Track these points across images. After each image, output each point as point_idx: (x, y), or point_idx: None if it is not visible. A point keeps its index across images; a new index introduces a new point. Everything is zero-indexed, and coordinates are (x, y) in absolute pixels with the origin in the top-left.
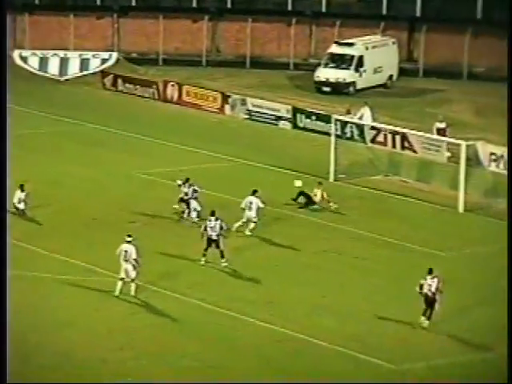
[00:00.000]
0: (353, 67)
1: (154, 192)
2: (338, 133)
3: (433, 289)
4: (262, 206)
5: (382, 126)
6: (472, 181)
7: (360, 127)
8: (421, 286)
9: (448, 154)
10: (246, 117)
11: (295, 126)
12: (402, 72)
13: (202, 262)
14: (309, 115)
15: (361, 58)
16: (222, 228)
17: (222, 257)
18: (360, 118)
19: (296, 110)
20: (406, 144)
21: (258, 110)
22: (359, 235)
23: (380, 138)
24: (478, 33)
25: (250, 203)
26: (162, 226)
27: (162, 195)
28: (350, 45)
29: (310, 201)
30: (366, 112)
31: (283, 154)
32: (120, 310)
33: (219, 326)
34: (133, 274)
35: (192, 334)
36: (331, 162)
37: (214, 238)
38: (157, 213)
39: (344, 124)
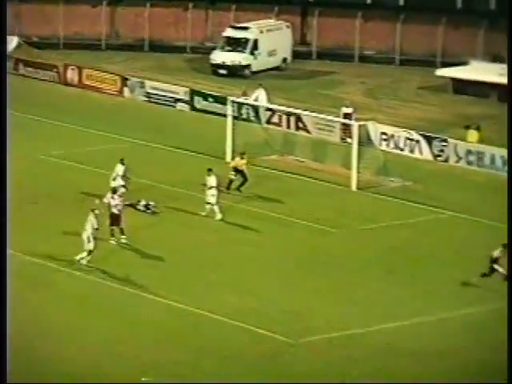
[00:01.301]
0: (248, 50)
1: (56, 173)
2: (235, 114)
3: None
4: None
5: (277, 107)
6: (364, 160)
7: (255, 108)
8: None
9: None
10: (145, 99)
11: (193, 108)
12: (296, 55)
13: (112, 242)
14: (206, 97)
15: (256, 41)
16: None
17: (122, 233)
18: (255, 100)
19: (193, 93)
20: (301, 125)
21: (156, 92)
22: (255, 213)
23: (275, 119)
24: (368, 17)
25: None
26: (65, 206)
27: (64, 176)
28: (245, 28)
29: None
30: (262, 94)
31: (181, 135)
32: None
33: (120, 302)
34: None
35: (93, 310)
36: (228, 143)
37: (116, 212)
38: (59, 194)
39: (240, 106)
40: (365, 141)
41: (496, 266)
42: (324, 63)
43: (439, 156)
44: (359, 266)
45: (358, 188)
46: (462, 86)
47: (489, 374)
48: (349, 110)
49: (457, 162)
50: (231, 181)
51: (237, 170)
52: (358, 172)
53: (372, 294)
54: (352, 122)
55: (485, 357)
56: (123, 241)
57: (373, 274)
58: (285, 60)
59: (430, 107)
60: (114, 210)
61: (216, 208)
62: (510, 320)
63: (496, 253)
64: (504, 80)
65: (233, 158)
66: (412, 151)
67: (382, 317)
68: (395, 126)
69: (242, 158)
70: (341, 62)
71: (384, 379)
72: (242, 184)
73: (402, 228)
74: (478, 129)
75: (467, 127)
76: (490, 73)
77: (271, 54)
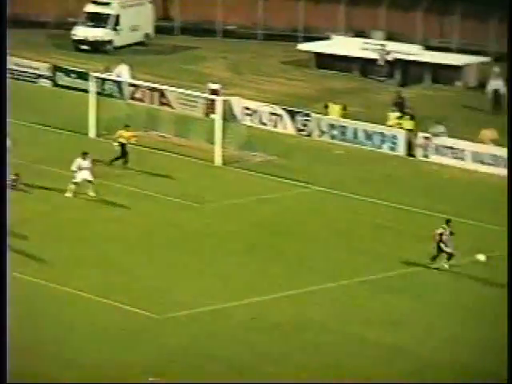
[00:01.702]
0: (110, 26)
1: None
2: (98, 90)
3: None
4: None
5: (140, 82)
6: (228, 135)
7: (119, 84)
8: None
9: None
10: (8, 75)
11: (55, 84)
12: (159, 30)
13: None
14: (68, 73)
15: (117, 16)
16: None
17: None
18: (118, 76)
19: (56, 69)
20: (164, 100)
21: (18, 68)
22: (121, 190)
23: (138, 95)
24: None
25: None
26: None
27: None
28: (106, 4)
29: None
30: (124, 69)
31: (43, 112)
32: None
33: None
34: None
35: None
36: (91, 119)
37: None
38: None
39: (103, 81)
40: (229, 116)
41: (442, 245)
42: (187, 38)
43: (302, 130)
44: (224, 241)
45: (223, 163)
46: (324, 61)
47: (356, 347)
48: (216, 87)
49: (320, 136)
50: (118, 157)
51: (121, 144)
52: (222, 147)
53: (236, 268)
54: (215, 97)
55: (351, 330)
56: None
57: (237, 248)
58: (147, 35)
59: (294, 82)
60: None
61: (91, 186)
62: (509, 320)
63: (439, 230)
64: (366, 54)
65: (108, 133)
66: (275, 126)
67: (245, 291)
68: (259, 101)
69: (127, 131)
70: (204, 37)
71: (248, 353)
72: (118, 158)
73: (266, 202)
74: (345, 109)
75: (326, 107)
76: (352, 47)
77: (133, 29)
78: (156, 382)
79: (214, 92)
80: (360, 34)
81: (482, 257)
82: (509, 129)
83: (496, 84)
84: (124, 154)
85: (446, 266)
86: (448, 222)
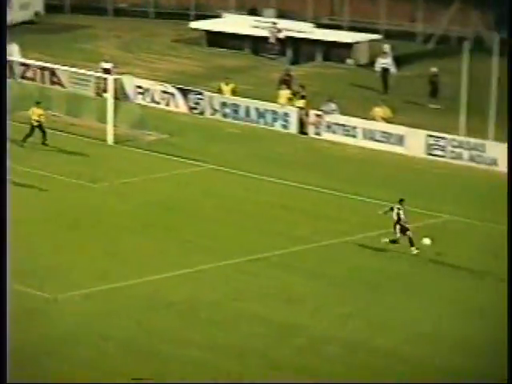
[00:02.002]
0: None
1: None
2: None
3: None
4: None
5: (31, 61)
6: (120, 114)
7: (9, 63)
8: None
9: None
10: None
11: None
12: (49, 8)
13: None
14: None
15: None
16: None
17: None
18: (9, 55)
19: None
20: (55, 79)
21: None
22: (13, 169)
23: (29, 74)
24: None
25: None
26: None
27: None
28: None
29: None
30: (14, 48)
31: None
32: None
33: None
34: None
35: None
36: None
37: None
38: None
39: None
40: (120, 95)
41: (403, 224)
42: (78, 17)
43: (195, 109)
44: (118, 220)
45: (115, 142)
46: (215, 39)
47: (254, 324)
48: (108, 65)
49: (212, 114)
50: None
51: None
52: (115, 126)
53: (131, 247)
54: (107, 76)
55: (245, 307)
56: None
57: (131, 227)
58: (37, 13)
59: (185, 60)
60: None
61: None
62: (509, 319)
63: (395, 211)
64: (257, 32)
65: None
66: (168, 104)
67: (140, 270)
68: (151, 79)
69: (38, 108)
70: (95, 16)
71: (144, 332)
72: (29, 136)
73: (159, 181)
74: (234, 88)
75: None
76: (243, 25)
77: (23, 7)
78: (138, 382)
79: (107, 71)
80: (251, 12)
81: (427, 240)
82: (509, 127)
83: (384, 62)
84: (42, 132)
85: (415, 251)
86: (401, 201)
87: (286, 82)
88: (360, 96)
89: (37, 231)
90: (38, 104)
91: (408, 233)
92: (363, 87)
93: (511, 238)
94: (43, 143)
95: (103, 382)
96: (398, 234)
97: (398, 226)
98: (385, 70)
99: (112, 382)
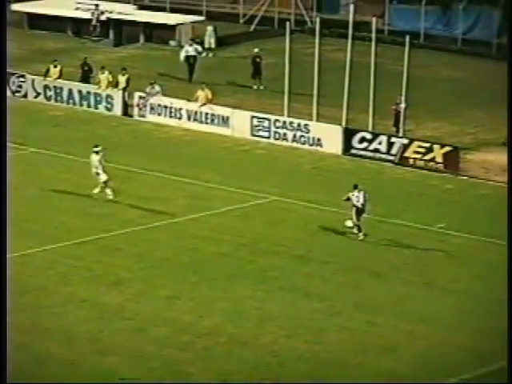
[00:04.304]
0: None
1: None
2: None
3: (361, 200)
4: None
5: None
6: None
7: None
8: (348, 198)
9: None
10: None
11: None
12: None
13: None
14: None
15: None
16: None
17: None
18: None
19: None
20: None
21: None
22: None
23: None
24: None
25: None
26: None
27: None
28: None
29: None
30: None
31: None
32: None
33: None
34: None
35: None
36: None
37: None
38: None
39: None
40: None
41: (358, 205)
42: None
43: (18, 92)
44: None
45: None
46: (37, 21)
47: (73, 307)
48: None
49: (35, 97)
50: None
51: None
52: None
53: None
54: None
55: (72, 291)
56: None
57: None
58: None
59: (7, 42)
60: None
61: None
62: (509, 319)
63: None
64: (79, 14)
65: None
66: None
67: None
68: None
69: None
70: None
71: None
72: None
73: None
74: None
75: (47, 71)
76: (65, 7)
77: None
78: (138, 382)
79: None
80: None
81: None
82: (509, 127)
83: (189, 50)
84: None
85: (361, 236)
86: (355, 187)
87: (84, 71)
88: (184, 77)
89: None
90: None
91: (361, 218)
92: (186, 68)
93: (511, 238)
94: None
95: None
96: (355, 219)
97: (354, 210)
98: (190, 58)
99: (112, 382)
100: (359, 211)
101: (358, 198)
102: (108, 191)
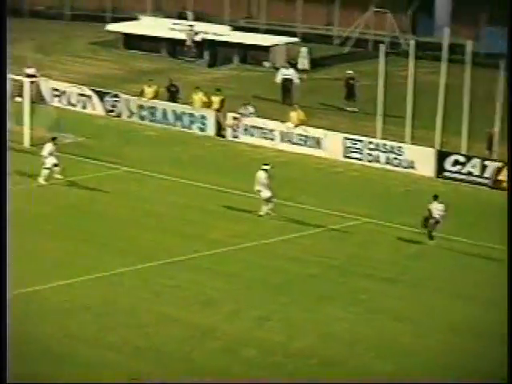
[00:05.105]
0: None
1: None
2: None
3: (440, 212)
4: None
5: None
6: (36, 116)
7: None
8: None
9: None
10: None
11: None
12: None
13: None
14: None
15: None
16: None
17: None
18: None
19: None
20: None
21: None
22: None
23: None
24: None
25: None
26: None
27: None
28: None
29: None
30: None
31: None
32: None
33: None
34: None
35: None
36: None
37: None
38: None
39: None
40: (37, 97)
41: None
42: None
43: (112, 111)
44: (34, 223)
45: (31, 145)
46: (133, 42)
47: (168, 326)
48: (31, 71)
49: (130, 117)
50: None
51: None
52: (31, 129)
53: (47, 250)
54: (23, 78)
55: (162, 311)
56: None
57: (47, 230)
58: None
59: (103, 63)
60: None
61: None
62: (509, 319)
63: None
64: (174, 35)
65: None
66: (84, 107)
67: (57, 274)
68: (67, 82)
69: None
70: (11, 18)
71: (62, 335)
72: None
73: (75, 184)
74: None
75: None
76: (160, 28)
77: None
78: (138, 382)
79: (30, 76)
80: (169, 15)
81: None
82: (509, 127)
83: (286, 73)
84: None
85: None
86: (435, 197)
87: (172, 93)
88: (278, 99)
89: None
90: None
91: (435, 226)
92: (280, 89)
93: (511, 239)
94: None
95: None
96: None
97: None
98: (286, 81)
99: (112, 382)
100: (435, 222)
101: (437, 209)
102: (265, 208)
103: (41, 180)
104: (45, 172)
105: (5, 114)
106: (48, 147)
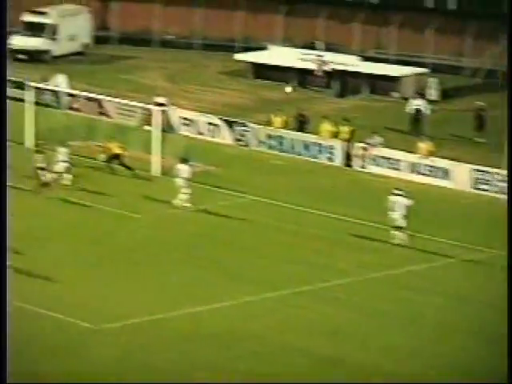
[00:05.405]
0: (47, 35)
1: None
2: (35, 100)
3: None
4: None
5: (78, 92)
6: (165, 145)
7: (56, 94)
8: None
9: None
10: None
11: None
12: (97, 40)
13: None
14: None
15: (55, 26)
16: None
17: None
18: (56, 85)
19: None
20: (102, 110)
21: None
22: (58, 199)
23: (76, 105)
24: (167, 1)
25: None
26: None
27: None
28: (44, 14)
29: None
30: (62, 79)
31: None
32: None
33: None
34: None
35: None
36: (27, 129)
37: None
38: None
39: (40, 91)
40: (166, 126)
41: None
42: (125, 48)
43: (240, 140)
44: (163, 251)
45: (161, 173)
46: (261, 71)
47: (294, 359)
48: (162, 100)
49: (258, 146)
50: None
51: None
52: (161, 157)
53: (174, 278)
54: (153, 107)
55: (288, 341)
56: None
57: (175, 258)
58: (85, 45)
59: (231, 92)
60: None
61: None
62: (509, 319)
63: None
64: (303, 65)
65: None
66: (213, 136)
67: (183, 301)
68: (196, 111)
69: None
70: (142, 47)
71: (186, 363)
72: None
73: (203, 212)
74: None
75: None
76: (289, 57)
77: (71, 38)
78: (138, 382)
79: (160, 105)
80: (298, 44)
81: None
82: (509, 127)
83: (417, 103)
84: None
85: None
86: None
87: (300, 122)
88: (405, 129)
89: (79, 261)
90: (112, 138)
91: None
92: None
93: (511, 242)
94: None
95: None
96: None
97: None
98: (417, 112)
99: (112, 382)
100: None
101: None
102: (399, 235)
103: (180, 202)
104: (182, 197)
105: (5, 114)
106: (185, 172)
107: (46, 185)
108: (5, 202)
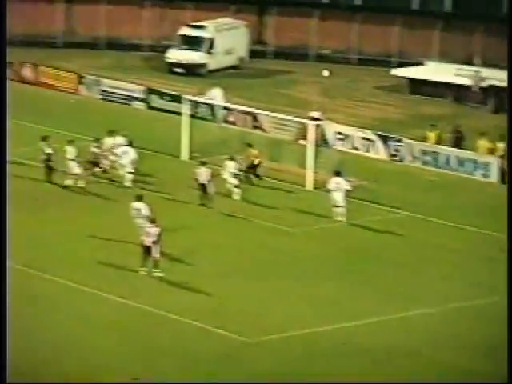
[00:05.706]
0: (204, 49)
1: (18, 172)
2: (191, 113)
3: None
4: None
5: (234, 106)
6: (320, 159)
7: (212, 107)
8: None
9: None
10: (101, 97)
11: (149, 107)
12: (253, 54)
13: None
14: (162, 96)
15: (212, 40)
16: None
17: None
18: (212, 99)
19: (150, 91)
20: (257, 124)
21: (112, 90)
22: (211, 212)
23: (231, 118)
24: (324, 16)
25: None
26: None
27: (25, 175)
28: (201, 27)
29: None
30: (218, 92)
31: (137, 134)
32: None
33: (78, 302)
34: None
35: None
36: (183, 142)
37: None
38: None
39: (196, 104)
40: (320, 140)
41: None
42: (281, 62)
43: (395, 156)
44: (316, 265)
45: (315, 187)
46: (417, 86)
47: (447, 374)
48: (316, 114)
49: (412, 161)
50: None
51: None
52: (315, 172)
53: (329, 293)
54: (307, 122)
55: (443, 357)
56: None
57: (329, 273)
58: (241, 59)
59: (386, 107)
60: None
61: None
62: (509, 319)
63: None
64: (459, 80)
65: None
66: (368, 151)
67: (338, 316)
68: (351, 125)
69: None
70: (297, 62)
71: (341, 378)
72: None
73: (358, 227)
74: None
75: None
76: (445, 73)
77: (228, 52)
78: (138, 382)
79: (315, 120)
80: (455, 60)
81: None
82: (509, 128)
83: None
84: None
85: None
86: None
87: (456, 138)
88: None
89: (234, 274)
90: (250, 146)
91: None
92: None
93: (511, 242)
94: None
95: None
96: None
97: None
98: None
99: (111, 382)
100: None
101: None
102: None
103: (335, 216)
104: (337, 210)
105: (5, 114)
106: (341, 186)
107: (208, 198)
108: (5, 201)
